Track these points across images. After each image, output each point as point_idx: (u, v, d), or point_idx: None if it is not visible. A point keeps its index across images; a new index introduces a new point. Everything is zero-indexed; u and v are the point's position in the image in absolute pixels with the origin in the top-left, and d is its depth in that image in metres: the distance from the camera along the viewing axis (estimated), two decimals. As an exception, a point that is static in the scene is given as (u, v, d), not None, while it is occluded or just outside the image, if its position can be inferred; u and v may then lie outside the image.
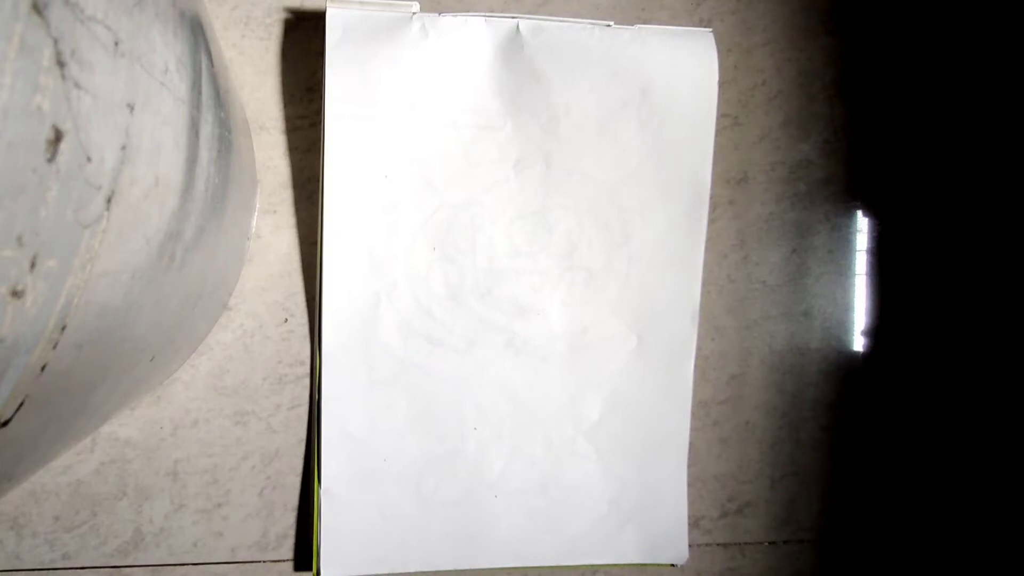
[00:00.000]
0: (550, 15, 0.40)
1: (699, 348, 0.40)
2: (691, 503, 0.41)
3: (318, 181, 0.37)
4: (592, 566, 0.40)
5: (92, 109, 0.15)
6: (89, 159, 0.15)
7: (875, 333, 0.43)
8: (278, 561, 0.39)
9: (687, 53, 0.37)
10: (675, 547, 0.40)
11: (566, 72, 0.37)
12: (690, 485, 0.40)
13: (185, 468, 0.38)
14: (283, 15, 0.38)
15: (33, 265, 0.14)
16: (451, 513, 0.38)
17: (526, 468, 0.38)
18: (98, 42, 0.15)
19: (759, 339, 0.42)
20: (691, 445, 0.40)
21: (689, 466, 0.40)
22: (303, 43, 0.38)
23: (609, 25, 0.37)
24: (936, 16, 0.43)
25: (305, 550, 0.39)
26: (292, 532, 0.39)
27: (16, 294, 0.13)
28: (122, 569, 0.37)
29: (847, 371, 0.43)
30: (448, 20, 0.36)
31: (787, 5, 0.42)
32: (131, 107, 0.17)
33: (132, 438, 0.37)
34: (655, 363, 0.39)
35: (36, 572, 0.37)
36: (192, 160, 0.23)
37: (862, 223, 0.43)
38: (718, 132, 0.39)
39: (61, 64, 0.13)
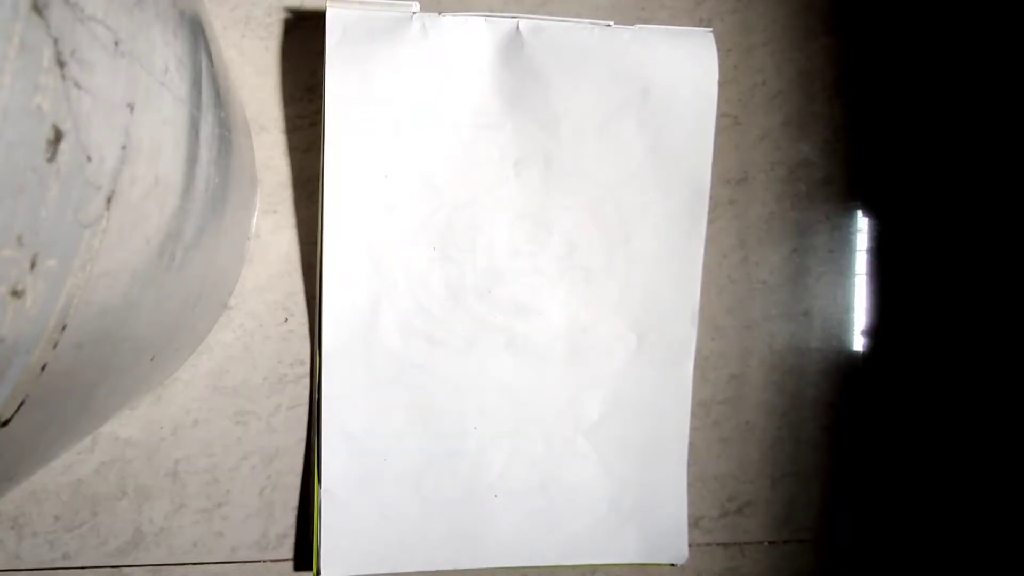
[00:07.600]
0: (550, 15, 0.40)
1: (699, 348, 0.40)
2: (691, 503, 0.41)
3: (318, 181, 0.37)
4: (592, 566, 0.40)
5: (92, 109, 0.15)
6: (89, 159, 0.15)
7: (875, 333, 0.43)
8: (278, 561, 0.39)
9: (687, 53, 0.37)
10: (675, 547, 0.40)
11: (566, 72, 0.37)
12: (690, 485, 0.40)
13: (185, 468, 0.38)
14: (283, 15, 0.38)
15: (33, 265, 0.14)
16: (451, 513, 0.38)
17: (526, 468, 0.38)
18: (98, 42, 0.15)
19: (759, 339, 0.42)
20: (691, 445, 0.40)
21: (689, 466, 0.40)
22: (303, 43, 0.38)
23: (609, 25, 0.37)
24: (936, 16, 0.43)
25: (305, 550, 0.39)
26: (292, 532, 0.39)
27: (16, 294, 0.13)
28: (122, 569, 0.37)
29: (847, 371, 0.43)
30: (448, 20, 0.36)
31: (787, 5, 0.42)
32: (131, 107, 0.17)
33: (132, 438, 0.37)
34: (655, 363, 0.39)
35: (36, 572, 0.37)
36: (192, 160, 0.23)
37: (862, 223, 0.43)
38: (718, 132, 0.39)
39: (61, 64, 0.13)
